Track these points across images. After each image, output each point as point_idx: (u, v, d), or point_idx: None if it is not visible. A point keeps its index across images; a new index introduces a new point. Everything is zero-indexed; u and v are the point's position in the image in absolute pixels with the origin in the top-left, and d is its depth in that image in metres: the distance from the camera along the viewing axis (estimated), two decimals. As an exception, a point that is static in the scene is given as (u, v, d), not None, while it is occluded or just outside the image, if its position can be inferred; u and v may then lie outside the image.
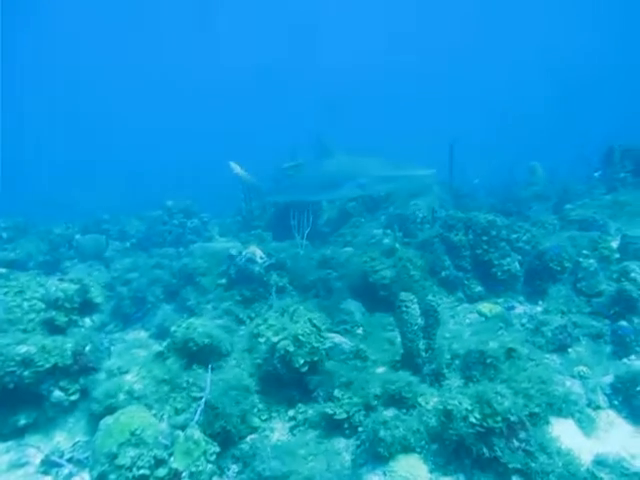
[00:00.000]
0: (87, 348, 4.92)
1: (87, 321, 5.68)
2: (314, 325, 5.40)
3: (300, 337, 5.21)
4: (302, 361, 5.14)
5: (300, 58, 59.28)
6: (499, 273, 7.16)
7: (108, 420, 3.85)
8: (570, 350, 5.68)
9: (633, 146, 10.33)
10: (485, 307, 6.77)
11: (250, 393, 4.96)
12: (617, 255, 7.79)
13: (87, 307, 5.81)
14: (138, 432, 3.79)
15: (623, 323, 5.99)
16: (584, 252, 7.00)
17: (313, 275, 7.82)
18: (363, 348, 5.73)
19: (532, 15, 53.45)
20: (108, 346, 5.57)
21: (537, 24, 54.44)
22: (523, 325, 6.46)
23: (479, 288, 7.25)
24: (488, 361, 4.80)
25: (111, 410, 4.20)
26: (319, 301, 7.25)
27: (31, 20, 51.76)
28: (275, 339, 5.29)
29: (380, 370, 5.55)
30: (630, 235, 7.93)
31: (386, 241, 8.79)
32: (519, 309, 6.97)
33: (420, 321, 5.21)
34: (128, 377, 5.02)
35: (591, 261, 6.74)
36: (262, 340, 5.53)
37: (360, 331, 6.34)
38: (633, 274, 6.18)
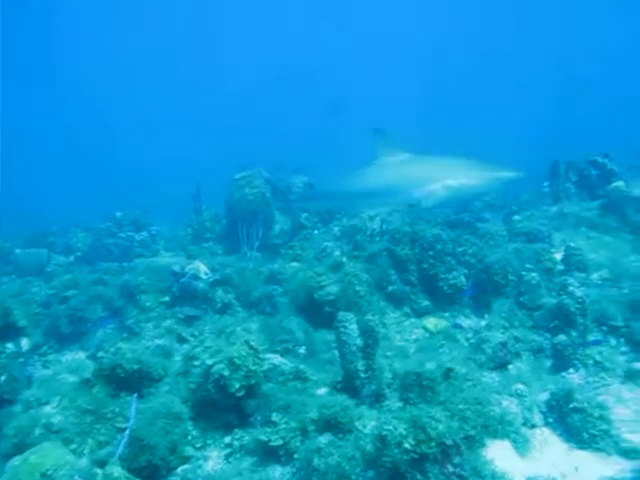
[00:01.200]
0: (2, 378, 4.62)
1: (9, 346, 5.36)
2: (251, 347, 5.23)
3: (236, 360, 5.03)
4: (238, 385, 4.96)
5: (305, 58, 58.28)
6: (445, 287, 7.14)
7: (15, 461, 3.58)
8: (510, 367, 5.67)
9: (577, 159, 10.56)
10: (430, 322, 6.73)
11: (182, 420, 4.75)
12: (561, 267, 7.90)
13: (9, 331, 5.49)
14: (50, 473, 3.55)
15: (562, 337, 6.03)
16: (527, 265, 7.03)
17: (259, 291, 7.65)
18: (303, 369, 5.58)
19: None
20: (29, 374, 5.26)
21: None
22: (468, 340, 6.45)
23: (426, 302, 7.22)
24: (425, 383, 4.72)
25: (23, 448, 3.93)
26: (263, 318, 7.10)
27: (31, 19, 50.13)
28: (210, 362, 5.10)
29: (321, 391, 5.42)
30: (572, 246, 8.05)
31: (336, 254, 8.69)
32: (465, 323, 6.96)
33: (359, 341, 5.10)
34: (47, 408, 4.74)
35: (533, 274, 6.78)
36: (197, 363, 5.33)
37: (302, 350, 6.20)
38: (571, 288, 6.22)
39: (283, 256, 9.28)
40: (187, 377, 5.33)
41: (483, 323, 6.84)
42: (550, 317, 6.32)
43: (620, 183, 9.46)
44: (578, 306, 6.14)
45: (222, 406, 5.04)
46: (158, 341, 6.61)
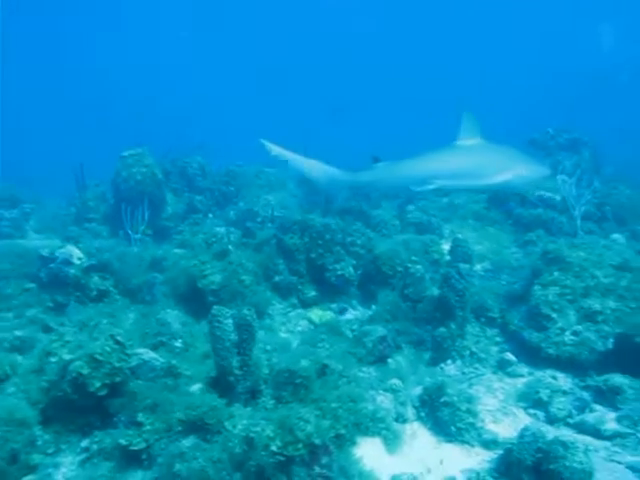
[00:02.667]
0: None
1: None
2: (117, 342, 4.81)
3: (98, 356, 4.60)
4: (99, 384, 4.55)
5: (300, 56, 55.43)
6: (333, 278, 7.05)
7: None
8: (390, 360, 5.68)
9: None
10: (315, 314, 6.62)
11: (28, 426, 4.27)
12: (448, 258, 8.09)
13: None
14: None
15: (441, 329, 6.14)
16: (413, 258, 7.10)
17: (140, 278, 7.16)
18: (176, 364, 5.25)
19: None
20: None
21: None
22: (353, 331, 6.41)
23: (313, 293, 7.10)
24: (298, 381, 4.57)
25: None
26: (142, 308, 6.65)
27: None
28: (68, 358, 4.64)
29: (195, 387, 5.11)
30: (459, 238, 8.27)
31: (226, 240, 8.35)
32: (350, 314, 6.93)
33: (234, 336, 4.84)
34: None
35: (418, 267, 6.84)
36: (54, 360, 4.84)
37: (179, 343, 5.84)
38: (452, 280, 6.34)
39: (171, 241, 8.80)
40: (41, 375, 4.83)
41: (369, 314, 6.84)
42: (432, 309, 6.42)
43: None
44: (458, 299, 6.26)
45: (81, 407, 4.61)
46: (18, 332, 5.97)
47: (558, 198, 9.12)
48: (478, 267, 8.24)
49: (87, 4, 53.43)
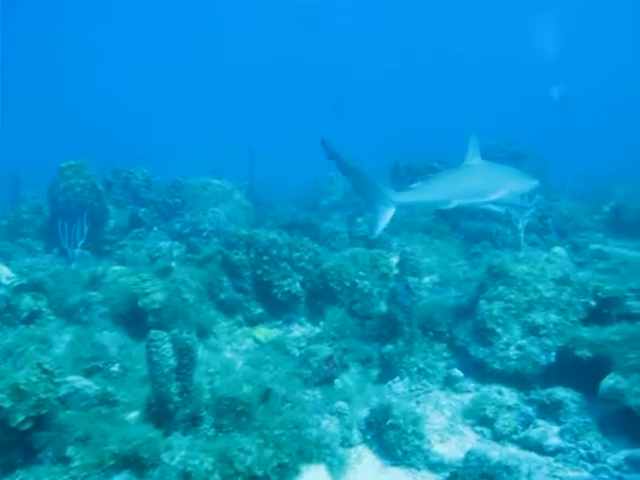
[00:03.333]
0: None
1: None
2: (45, 370, 4.49)
3: (22, 387, 4.27)
4: (22, 418, 4.21)
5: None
6: (279, 294, 6.89)
7: None
8: (336, 381, 5.57)
9: (415, 162, 10.95)
10: (261, 333, 6.45)
11: None
12: (396, 271, 8.07)
13: None
14: None
15: (389, 346, 6.08)
16: (360, 273, 7.03)
17: (76, 297, 6.80)
18: (112, 391, 4.96)
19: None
20: None
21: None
22: (301, 349, 6.27)
23: (260, 310, 6.93)
24: (240, 408, 4.38)
25: None
26: (78, 330, 6.29)
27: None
28: (-12, 392, 4.28)
29: (133, 415, 4.86)
30: (407, 251, 8.28)
31: (169, 257, 8.06)
32: (298, 331, 6.78)
33: (173, 362, 4.61)
34: None
35: (366, 282, 6.80)
36: (-28, 394, 4.46)
37: (116, 368, 5.54)
38: (400, 297, 6.30)
39: (112, 256, 8.43)
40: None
41: (317, 330, 6.72)
42: (380, 326, 6.35)
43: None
44: (406, 315, 6.22)
45: (1, 443, 4.26)
46: None
47: (502, 211, 9.27)
48: (426, 280, 8.26)
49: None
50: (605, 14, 48.60)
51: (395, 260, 8.32)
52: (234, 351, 6.38)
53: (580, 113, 27.82)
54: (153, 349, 4.58)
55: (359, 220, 10.25)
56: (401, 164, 10.91)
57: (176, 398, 4.67)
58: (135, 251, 8.30)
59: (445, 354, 6.59)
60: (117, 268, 7.35)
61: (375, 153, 17.88)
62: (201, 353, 6.23)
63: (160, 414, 4.69)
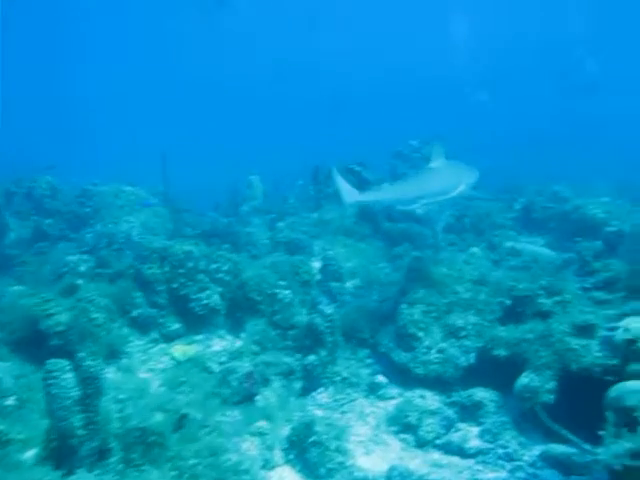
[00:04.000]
0: None
1: None
2: None
3: None
4: None
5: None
6: (197, 308, 6.58)
7: None
8: (258, 398, 5.37)
9: (336, 165, 10.90)
10: (178, 350, 6.12)
11: None
12: (319, 277, 7.95)
13: None
14: None
15: (312, 357, 5.95)
16: (280, 283, 6.85)
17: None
18: (4, 429, 4.49)
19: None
20: None
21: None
22: (222, 364, 6.01)
23: (177, 325, 6.58)
24: (151, 439, 4.08)
25: None
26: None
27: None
28: None
29: (30, 454, 4.42)
30: (329, 256, 8.19)
31: (80, 270, 7.53)
32: (219, 345, 6.51)
33: (75, 393, 4.23)
34: None
35: (286, 292, 6.63)
36: None
37: (11, 401, 5.04)
38: (321, 306, 6.19)
39: (12, 274, 7.76)
40: None
41: (239, 344, 6.48)
42: (302, 336, 6.21)
43: (372, 193, 9.97)
44: (328, 324, 6.11)
45: None
46: None
47: (421, 211, 9.41)
48: (349, 284, 8.20)
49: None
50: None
51: (317, 265, 8.21)
52: (150, 370, 6.01)
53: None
54: (51, 380, 4.17)
55: (280, 225, 10.07)
56: (321, 167, 10.82)
57: (80, 432, 4.27)
58: (38, 267, 7.67)
59: (369, 360, 6.55)
60: (16, 288, 6.74)
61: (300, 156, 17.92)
62: (113, 375, 5.86)
63: (62, 450, 4.30)
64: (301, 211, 11.14)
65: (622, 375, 3.66)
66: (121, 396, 5.02)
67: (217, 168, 20.35)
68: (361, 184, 10.62)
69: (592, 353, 4.96)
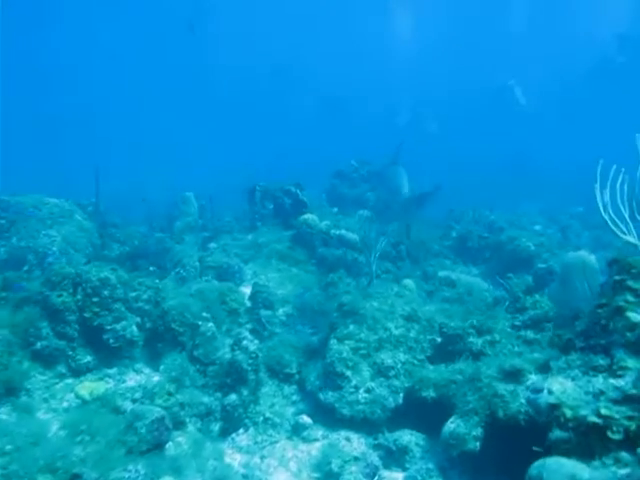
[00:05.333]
0: None
1: None
2: None
3: None
4: None
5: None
6: (112, 340, 6.08)
7: None
8: (168, 445, 4.93)
9: (271, 186, 10.64)
10: (85, 387, 5.59)
11: None
12: (249, 304, 7.60)
13: None
14: None
15: (232, 396, 5.59)
16: (204, 314, 6.46)
17: None
18: None
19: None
20: None
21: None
22: (135, 401, 5.55)
23: (88, 358, 6.03)
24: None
25: None
26: None
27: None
28: None
29: None
30: (260, 283, 7.86)
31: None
32: (132, 381, 6.03)
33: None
34: None
35: (209, 325, 6.25)
36: None
37: None
38: (245, 342, 5.84)
39: None
40: None
41: (155, 379, 6.02)
42: (223, 374, 5.83)
43: (308, 216, 9.73)
44: (251, 361, 5.78)
45: None
46: None
47: (357, 238, 9.24)
48: (280, 312, 7.88)
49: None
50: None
51: (248, 291, 7.86)
52: (51, 410, 5.44)
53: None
54: None
55: (212, 245, 9.65)
56: (258, 188, 10.49)
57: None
58: None
59: (295, 397, 6.26)
60: None
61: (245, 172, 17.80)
62: (6, 417, 5.27)
63: None
64: (236, 231, 10.76)
65: (546, 434, 3.52)
66: (8, 447, 4.46)
67: (167, 180, 19.82)
68: (298, 207, 10.41)
69: (519, 400, 4.86)
